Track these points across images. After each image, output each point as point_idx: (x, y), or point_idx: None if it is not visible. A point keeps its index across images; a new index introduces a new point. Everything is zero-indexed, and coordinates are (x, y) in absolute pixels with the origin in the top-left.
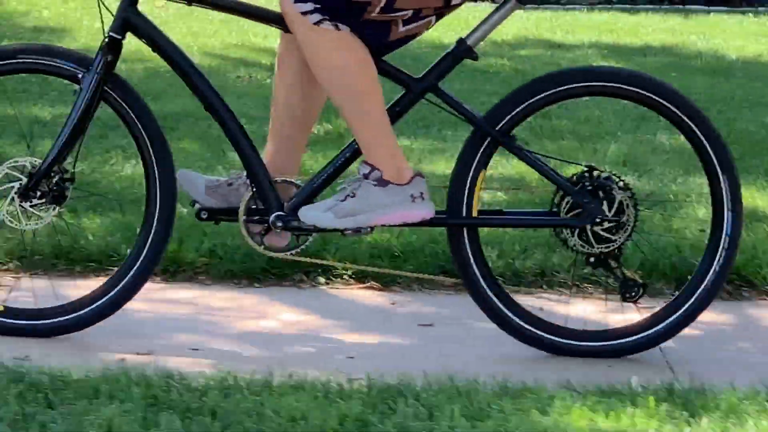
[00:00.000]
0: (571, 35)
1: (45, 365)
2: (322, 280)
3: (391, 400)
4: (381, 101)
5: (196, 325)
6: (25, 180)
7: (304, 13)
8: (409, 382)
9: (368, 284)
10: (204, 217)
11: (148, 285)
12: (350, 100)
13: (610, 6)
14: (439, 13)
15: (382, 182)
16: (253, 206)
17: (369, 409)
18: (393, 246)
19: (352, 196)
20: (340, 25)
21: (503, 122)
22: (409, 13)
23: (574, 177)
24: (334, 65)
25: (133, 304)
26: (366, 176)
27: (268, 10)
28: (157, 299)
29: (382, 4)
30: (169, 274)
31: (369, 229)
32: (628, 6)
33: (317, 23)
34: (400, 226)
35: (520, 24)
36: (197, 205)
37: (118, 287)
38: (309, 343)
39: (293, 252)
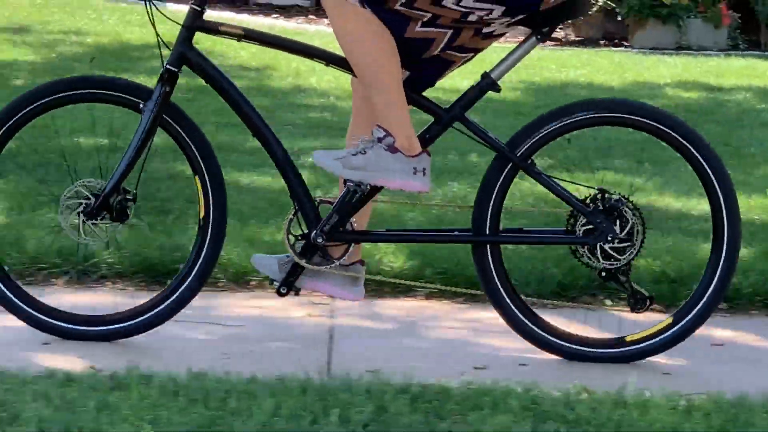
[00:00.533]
0: (723, 79)
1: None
2: (608, 302)
3: (740, 415)
4: (396, 73)
5: (512, 342)
6: (91, 200)
7: None
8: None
9: (652, 306)
10: (284, 292)
11: (450, 305)
12: (366, 68)
13: (742, 53)
14: (456, 29)
15: (392, 149)
16: (301, 249)
17: (727, 422)
18: (669, 271)
19: (362, 153)
20: (365, 3)
21: (523, 149)
22: (428, 15)
23: (588, 199)
24: (352, 34)
25: (443, 323)
26: (380, 140)
27: (319, 48)
28: (464, 319)
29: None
30: (469, 296)
31: (368, 187)
32: (758, 52)
33: None
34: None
35: (668, 69)
36: (275, 284)
37: (173, 297)
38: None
39: (337, 264)
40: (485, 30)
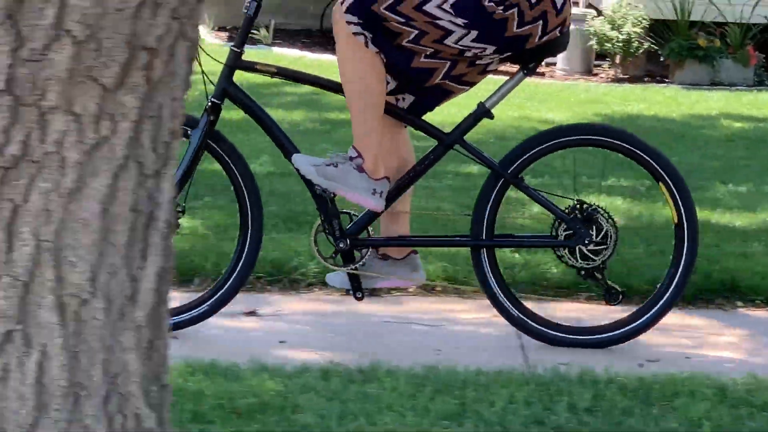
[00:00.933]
0: (764, 111)
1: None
2: (740, 303)
3: None
4: (379, 108)
5: (671, 338)
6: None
7: (349, 23)
8: None
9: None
10: (360, 296)
11: (608, 307)
12: (356, 97)
13: None
14: (454, 60)
15: (360, 169)
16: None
17: None
18: None
19: (335, 166)
20: (370, 44)
21: (514, 167)
22: (431, 50)
23: (568, 209)
24: (352, 66)
25: None
26: (351, 159)
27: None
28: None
29: (410, 38)
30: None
31: (332, 194)
32: None
33: (355, 34)
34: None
35: (714, 103)
36: (350, 292)
37: (217, 295)
38: None
39: (355, 266)
40: (478, 62)
